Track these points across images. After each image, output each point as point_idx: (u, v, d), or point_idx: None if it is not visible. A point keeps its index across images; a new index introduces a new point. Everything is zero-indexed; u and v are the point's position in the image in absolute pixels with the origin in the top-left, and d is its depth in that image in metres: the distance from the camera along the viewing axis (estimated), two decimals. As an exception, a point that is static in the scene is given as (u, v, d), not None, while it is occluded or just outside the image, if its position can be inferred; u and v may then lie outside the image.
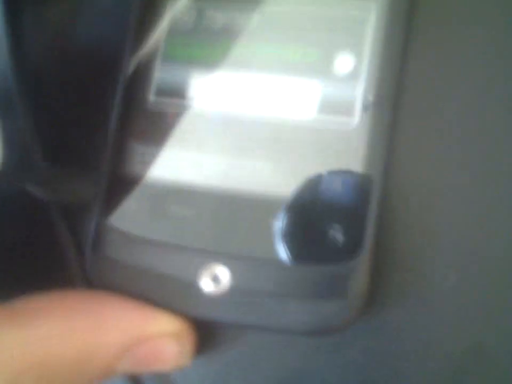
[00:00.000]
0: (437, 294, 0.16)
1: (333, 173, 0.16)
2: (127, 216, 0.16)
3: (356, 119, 0.16)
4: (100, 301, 0.15)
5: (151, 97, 0.17)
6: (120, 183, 0.17)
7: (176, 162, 0.17)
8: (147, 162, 0.17)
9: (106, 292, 0.16)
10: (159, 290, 0.16)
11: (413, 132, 0.17)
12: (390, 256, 0.16)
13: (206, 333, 0.17)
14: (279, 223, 0.16)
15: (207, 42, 0.17)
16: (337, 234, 0.15)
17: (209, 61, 0.17)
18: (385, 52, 0.16)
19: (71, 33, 0.20)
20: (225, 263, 0.16)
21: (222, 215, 0.16)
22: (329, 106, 0.16)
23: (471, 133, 0.17)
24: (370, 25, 0.16)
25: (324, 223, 0.15)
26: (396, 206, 0.16)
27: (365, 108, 0.16)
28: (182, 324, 0.16)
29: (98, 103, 0.19)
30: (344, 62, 0.16)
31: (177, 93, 0.17)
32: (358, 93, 0.16)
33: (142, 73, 0.17)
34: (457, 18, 0.17)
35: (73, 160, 0.20)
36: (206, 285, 0.16)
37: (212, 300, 0.15)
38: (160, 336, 0.15)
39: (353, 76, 0.16)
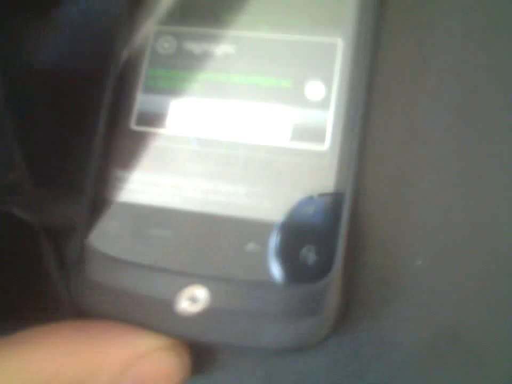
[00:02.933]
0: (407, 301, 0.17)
1: (305, 195, 0.16)
2: (108, 238, 0.17)
3: (327, 144, 0.17)
4: (95, 326, 0.16)
5: (133, 124, 0.18)
6: (102, 206, 0.17)
7: (156, 186, 0.17)
8: (128, 186, 0.17)
9: (94, 317, 0.16)
10: (139, 311, 0.16)
11: (382, 153, 0.18)
12: (362, 272, 0.17)
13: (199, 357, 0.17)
14: (254, 245, 0.16)
15: (185, 71, 0.18)
16: (309, 254, 0.16)
17: (187, 90, 0.18)
18: (353, 78, 0.17)
19: (50, 53, 0.21)
20: (203, 284, 0.16)
21: (200, 237, 0.17)
22: (302, 132, 0.17)
23: (440, 151, 0.18)
24: (338, 52, 0.17)
25: (296, 243, 0.16)
26: (367, 224, 0.17)
27: (335, 133, 0.17)
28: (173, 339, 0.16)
29: (83, 124, 0.19)
30: (315, 89, 0.17)
31: (157, 120, 0.18)
32: (329, 119, 0.17)
33: (124, 102, 0.18)
34: (424, 40, 0.18)
35: (59, 182, 0.20)
36: (184, 305, 0.16)
37: (189, 319, 0.16)
38: (156, 350, 0.15)
39: (324, 102, 0.17)
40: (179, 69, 0.18)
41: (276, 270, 0.16)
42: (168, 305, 0.16)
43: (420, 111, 0.18)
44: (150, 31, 0.19)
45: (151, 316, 0.16)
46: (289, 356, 0.17)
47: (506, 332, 0.16)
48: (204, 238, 0.17)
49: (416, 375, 0.17)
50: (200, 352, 0.17)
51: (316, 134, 0.17)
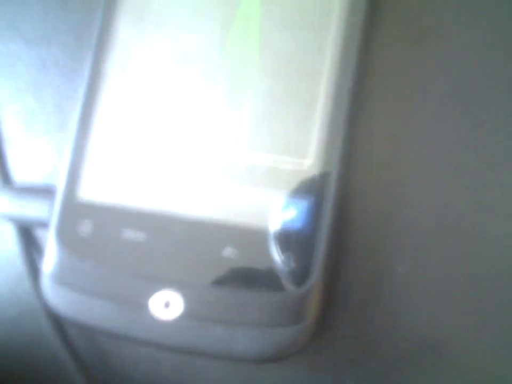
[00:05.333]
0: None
1: (285, 201, 0.16)
2: (80, 240, 0.16)
3: (310, 156, 0.16)
4: None
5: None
6: (74, 207, 0.17)
7: (130, 187, 0.17)
8: (101, 186, 0.17)
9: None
10: (112, 315, 0.16)
11: (366, 159, 0.17)
12: (343, 278, 0.16)
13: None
14: (230, 250, 0.16)
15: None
16: (288, 261, 0.15)
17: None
18: (336, 99, 0.16)
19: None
20: (177, 289, 0.16)
21: (175, 242, 0.16)
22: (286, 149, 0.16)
23: (424, 155, 0.17)
24: (324, 75, 0.16)
25: (275, 250, 0.15)
26: (349, 230, 0.17)
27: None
28: None
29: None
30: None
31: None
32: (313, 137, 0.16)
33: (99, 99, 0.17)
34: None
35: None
36: (158, 310, 0.16)
37: (163, 325, 0.15)
38: None
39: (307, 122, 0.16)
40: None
41: (253, 277, 0.15)
42: (142, 310, 0.16)
43: (404, 111, 0.17)
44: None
45: (124, 319, 0.16)
46: (267, 364, 0.16)
47: (485, 342, 0.16)
48: (180, 243, 0.16)
49: (396, 383, 0.16)
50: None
51: (300, 151, 0.16)
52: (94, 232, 0.16)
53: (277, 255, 0.15)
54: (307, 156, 0.16)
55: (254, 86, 0.16)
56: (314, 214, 0.15)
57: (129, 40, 0.17)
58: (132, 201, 0.16)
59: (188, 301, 0.15)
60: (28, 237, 0.19)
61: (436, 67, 0.17)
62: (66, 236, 0.16)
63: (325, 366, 0.16)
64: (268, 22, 0.17)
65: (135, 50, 0.17)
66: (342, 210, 0.16)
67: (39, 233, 0.19)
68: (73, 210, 0.17)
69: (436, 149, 0.17)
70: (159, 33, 0.17)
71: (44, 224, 0.17)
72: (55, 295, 0.16)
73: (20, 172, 0.19)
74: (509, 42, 0.17)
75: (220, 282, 0.15)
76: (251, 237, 0.15)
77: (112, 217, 0.16)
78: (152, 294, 0.16)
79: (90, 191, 0.17)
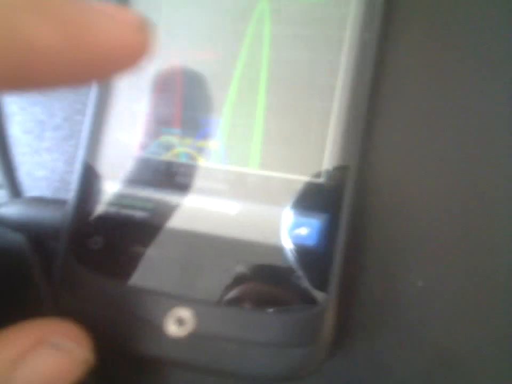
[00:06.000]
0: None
1: (297, 219, 0.15)
2: (93, 257, 0.16)
3: (323, 177, 0.16)
4: None
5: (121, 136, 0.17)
6: (85, 222, 0.17)
7: (144, 203, 0.16)
8: (113, 202, 0.17)
9: None
10: (127, 332, 0.16)
11: (381, 173, 0.16)
12: (359, 295, 0.16)
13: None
14: (243, 268, 0.15)
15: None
16: (302, 279, 0.15)
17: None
18: (349, 117, 0.16)
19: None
20: (190, 307, 0.15)
21: (188, 259, 0.16)
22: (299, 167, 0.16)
23: (441, 169, 0.16)
24: (336, 91, 0.16)
25: (289, 268, 0.15)
26: (366, 246, 0.16)
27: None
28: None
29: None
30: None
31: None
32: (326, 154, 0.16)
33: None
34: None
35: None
36: (171, 327, 0.15)
37: (176, 342, 0.15)
38: (47, 343, 0.14)
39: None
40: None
41: (266, 295, 0.15)
42: (155, 326, 0.15)
43: (422, 124, 0.16)
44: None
45: (137, 335, 0.16)
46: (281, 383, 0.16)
47: (503, 360, 0.16)
48: (193, 260, 0.16)
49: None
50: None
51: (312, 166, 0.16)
52: (106, 247, 0.16)
53: (291, 273, 0.15)
54: (320, 173, 0.15)
55: (266, 105, 0.16)
56: (329, 231, 0.15)
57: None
58: (144, 217, 0.16)
59: (199, 318, 0.15)
60: (39, 247, 0.19)
61: (452, 81, 0.16)
62: (80, 252, 0.16)
63: (341, 382, 0.16)
64: (279, 38, 0.16)
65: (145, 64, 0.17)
66: (356, 226, 0.16)
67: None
68: (87, 226, 0.16)
69: (452, 161, 0.16)
70: (167, 49, 0.17)
71: (56, 236, 0.17)
72: (71, 310, 0.16)
73: (29, 184, 0.19)
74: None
75: (233, 300, 0.15)
76: (265, 255, 0.15)
77: (124, 232, 0.16)
78: (165, 311, 0.15)
79: (102, 205, 0.17)
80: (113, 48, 0.11)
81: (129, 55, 0.11)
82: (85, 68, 0.11)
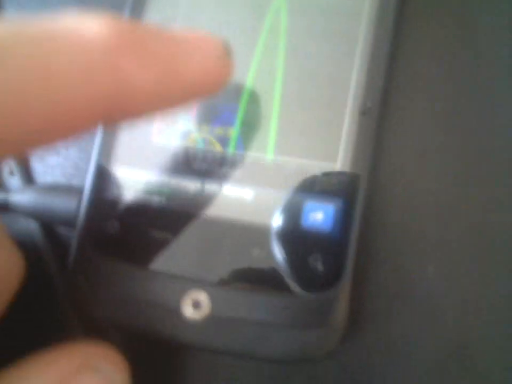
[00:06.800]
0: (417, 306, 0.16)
1: (313, 204, 0.16)
2: (109, 242, 0.16)
3: (339, 163, 0.16)
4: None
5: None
6: (102, 207, 0.17)
7: (160, 188, 0.17)
8: (130, 187, 0.17)
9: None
10: (144, 316, 0.16)
11: (395, 163, 0.17)
12: (371, 281, 0.17)
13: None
14: (259, 252, 0.16)
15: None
16: (318, 263, 0.15)
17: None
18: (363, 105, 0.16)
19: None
20: (205, 290, 0.16)
21: (204, 243, 0.16)
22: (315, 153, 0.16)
23: (450, 165, 0.17)
24: (352, 81, 0.16)
25: (304, 251, 0.15)
26: (377, 233, 0.17)
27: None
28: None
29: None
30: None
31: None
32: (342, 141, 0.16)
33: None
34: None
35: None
36: (187, 310, 0.16)
37: (193, 325, 0.16)
38: (87, 367, 0.14)
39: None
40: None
41: (282, 279, 0.15)
42: (172, 310, 0.16)
43: (436, 119, 0.17)
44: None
45: (155, 320, 0.16)
46: (296, 365, 0.17)
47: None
48: (208, 243, 0.16)
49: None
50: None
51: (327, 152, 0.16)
52: (122, 232, 0.16)
53: (305, 258, 0.15)
54: (336, 159, 0.16)
55: (282, 92, 0.17)
56: (344, 216, 0.15)
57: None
58: (160, 202, 0.17)
59: (215, 301, 0.16)
60: (52, 234, 0.19)
61: (465, 81, 0.17)
62: (95, 238, 0.17)
63: (354, 366, 0.16)
64: (295, 29, 0.17)
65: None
66: (370, 215, 0.16)
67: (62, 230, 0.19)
68: (102, 211, 0.17)
69: (461, 157, 0.17)
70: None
71: (69, 222, 0.18)
72: (83, 294, 0.16)
73: (42, 171, 0.19)
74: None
75: (247, 283, 0.16)
76: (280, 239, 0.16)
77: (141, 217, 0.16)
78: (182, 295, 0.16)
79: (118, 191, 0.17)
80: (199, 78, 0.12)
81: (213, 82, 0.12)
82: (174, 97, 0.12)
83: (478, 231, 0.16)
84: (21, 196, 0.19)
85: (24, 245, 0.19)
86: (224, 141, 0.17)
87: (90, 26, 0.11)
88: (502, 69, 0.17)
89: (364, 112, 0.16)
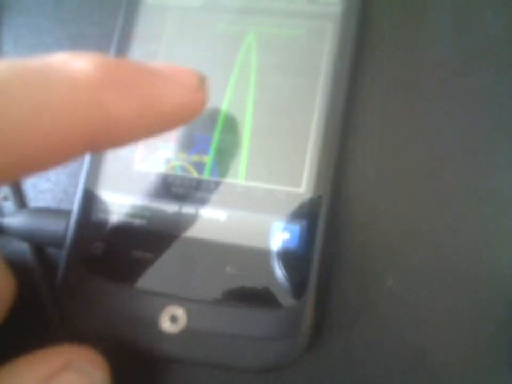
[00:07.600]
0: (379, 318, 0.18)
1: (280, 224, 0.17)
2: (93, 260, 0.18)
3: (303, 187, 0.18)
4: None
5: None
6: (88, 229, 0.18)
7: (141, 211, 0.18)
8: (114, 211, 0.18)
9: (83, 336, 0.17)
10: (125, 330, 0.17)
11: (357, 180, 0.18)
12: (335, 293, 0.18)
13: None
14: (232, 269, 0.17)
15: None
16: (284, 279, 0.17)
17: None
18: (326, 135, 0.18)
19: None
20: (182, 305, 0.17)
21: (182, 261, 0.17)
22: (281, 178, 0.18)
23: (411, 175, 0.19)
24: (315, 112, 0.18)
25: (272, 269, 0.17)
26: (341, 247, 0.18)
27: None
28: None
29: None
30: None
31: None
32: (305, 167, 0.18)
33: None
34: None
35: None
36: (165, 324, 0.17)
37: (170, 338, 0.17)
38: (67, 368, 0.15)
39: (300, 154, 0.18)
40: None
41: (252, 294, 0.17)
42: (151, 324, 0.17)
43: (390, 135, 0.19)
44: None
45: (135, 335, 0.17)
46: (265, 374, 0.18)
47: (471, 356, 0.17)
48: (185, 261, 0.17)
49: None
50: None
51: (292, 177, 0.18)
52: (106, 251, 0.18)
53: (274, 274, 0.17)
54: (301, 184, 0.17)
55: (253, 123, 0.18)
56: (308, 235, 0.17)
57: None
58: (142, 224, 0.18)
59: (191, 315, 0.17)
60: (41, 254, 0.20)
61: (417, 113, 0.19)
62: (80, 255, 0.18)
63: (319, 375, 0.18)
64: (265, 66, 0.19)
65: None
66: (333, 232, 0.17)
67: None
68: (87, 231, 0.18)
69: (424, 166, 0.18)
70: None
71: (57, 244, 0.19)
72: (70, 309, 0.18)
73: (34, 196, 0.21)
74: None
75: (221, 298, 0.17)
76: (251, 257, 0.17)
77: (123, 239, 0.18)
78: (160, 310, 0.17)
79: (103, 214, 0.18)
80: (176, 108, 0.13)
81: (190, 111, 0.14)
82: (153, 126, 0.13)
83: (435, 246, 0.18)
84: (13, 219, 0.20)
85: (16, 265, 0.20)
86: (200, 168, 0.18)
87: (78, 65, 0.12)
88: (451, 104, 0.19)
89: (325, 141, 0.18)
